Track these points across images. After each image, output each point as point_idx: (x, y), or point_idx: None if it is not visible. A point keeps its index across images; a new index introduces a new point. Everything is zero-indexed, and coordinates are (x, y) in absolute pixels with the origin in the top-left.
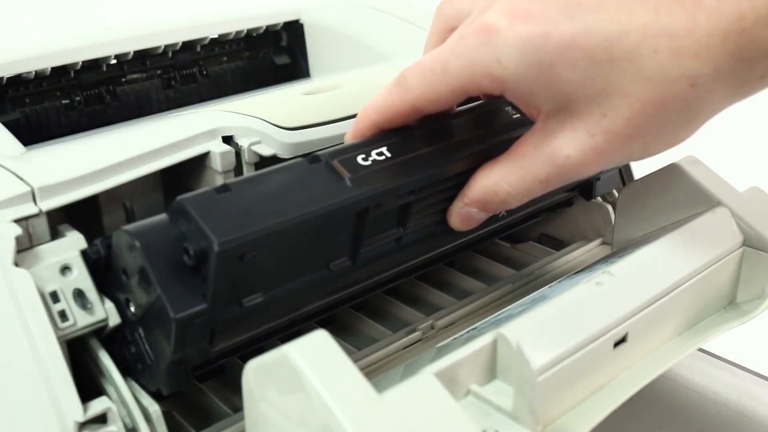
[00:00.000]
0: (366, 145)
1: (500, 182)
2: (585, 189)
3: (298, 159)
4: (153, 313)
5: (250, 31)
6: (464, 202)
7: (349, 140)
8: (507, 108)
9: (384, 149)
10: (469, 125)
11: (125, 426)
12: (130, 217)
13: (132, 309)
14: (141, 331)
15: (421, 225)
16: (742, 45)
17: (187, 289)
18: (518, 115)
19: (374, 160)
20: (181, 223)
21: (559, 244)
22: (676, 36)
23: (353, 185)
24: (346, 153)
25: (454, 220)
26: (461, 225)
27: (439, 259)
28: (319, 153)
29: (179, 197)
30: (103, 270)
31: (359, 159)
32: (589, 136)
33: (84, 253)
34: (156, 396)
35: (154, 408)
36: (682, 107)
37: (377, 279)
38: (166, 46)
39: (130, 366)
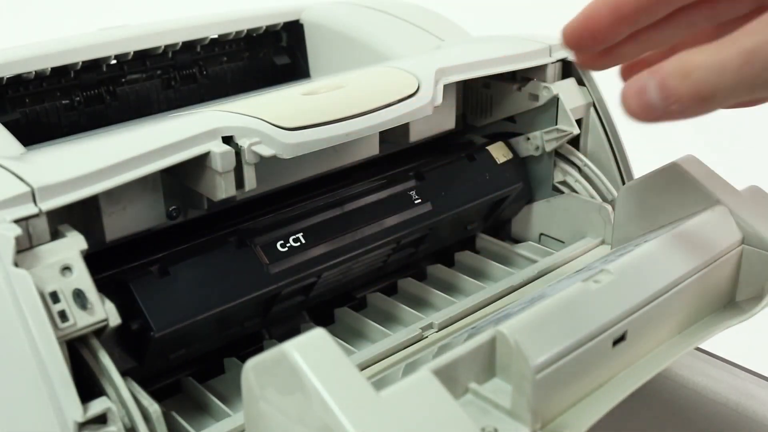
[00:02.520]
0: (286, 229)
1: (695, 52)
2: None
3: (231, 239)
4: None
5: (250, 32)
6: (649, 70)
7: (573, 30)
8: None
9: (300, 235)
10: (377, 212)
11: (125, 426)
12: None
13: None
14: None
15: (322, 290)
16: None
17: (124, 348)
18: (420, 201)
19: (290, 247)
20: (127, 297)
21: (559, 244)
22: None
23: (271, 272)
24: (269, 239)
25: (627, 91)
26: (630, 100)
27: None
28: (246, 237)
29: (128, 279)
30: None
31: (278, 246)
32: None
33: None
34: (156, 396)
35: (153, 408)
36: None
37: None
38: (166, 47)
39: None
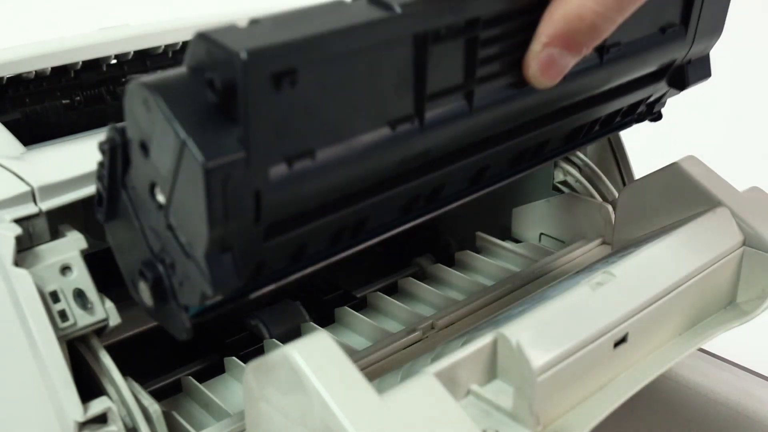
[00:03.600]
0: None
1: (585, 2)
2: (677, 77)
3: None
4: (182, 180)
5: None
6: (542, 42)
7: None
8: None
9: None
10: None
11: (125, 426)
12: None
13: (159, 197)
14: (173, 220)
15: (494, 81)
16: None
17: (219, 136)
18: None
19: None
20: (204, 63)
21: (559, 244)
22: None
23: (404, 12)
24: None
25: (533, 70)
26: (542, 75)
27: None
28: None
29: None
30: (122, 163)
31: None
32: None
33: (102, 149)
34: (156, 396)
35: (154, 408)
36: None
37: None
38: (166, 47)
39: (170, 288)
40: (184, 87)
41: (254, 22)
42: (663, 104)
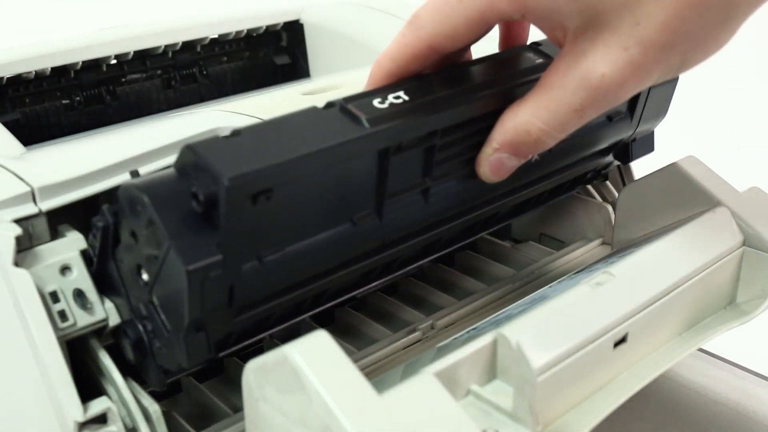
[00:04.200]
0: (381, 91)
1: (531, 119)
2: (622, 152)
3: (311, 106)
4: (166, 272)
5: (250, 31)
6: (493, 147)
7: (372, 76)
8: (529, 54)
9: (401, 92)
10: (491, 70)
11: (125, 426)
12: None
13: (144, 276)
14: (155, 299)
15: (448, 177)
16: None
17: (200, 241)
18: (541, 60)
19: (391, 103)
20: (190, 172)
21: (559, 244)
22: None
23: (371, 125)
24: (361, 98)
25: (484, 169)
26: (492, 174)
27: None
28: (332, 100)
29: (187, 143)
30: (112, 241)
31: (375, 102)
32: (623, 50)
33: (95, 225)
34: (156, 396)
35: (154, 408)
36: (720, 8)
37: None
38: (166, 46)
39: (150, 348)
40: (171, 190)
41: (236, 134)
42: (610, 169)
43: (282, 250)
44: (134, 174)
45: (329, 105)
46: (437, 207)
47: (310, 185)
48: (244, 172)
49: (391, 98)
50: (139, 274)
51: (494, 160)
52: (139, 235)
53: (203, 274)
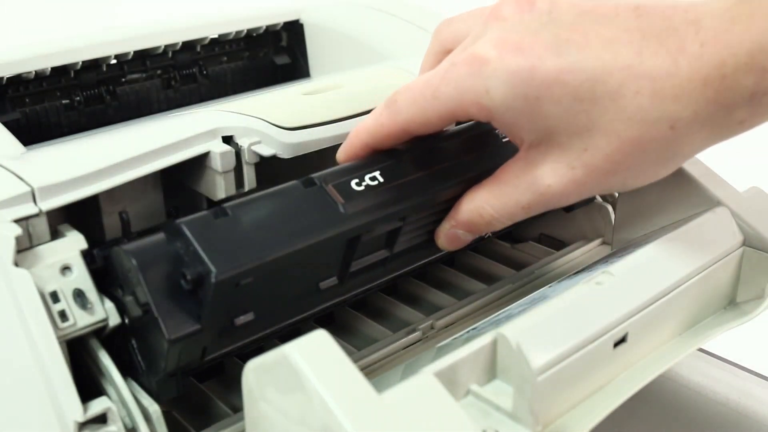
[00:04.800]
0: (360, 168)
1: (485, 206)
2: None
3: (294, 182)
4: (147, 328)
5: (250, 31)
6: (451, 224)
7: (341, 159)
8: (496, 131)
9: (377, 173)
10: (459, 148)
11: (125, 426)
12: (126, 227)
13: (126, 319)
14: (134, 341)
15: (407, 245)
16: (722, 91)
17: (182, 311)
18: (507, 139)
19: (367, 185)
20: (179, 245)
21: (559, 244)
22: (657, 78)
23: (346, 212)
24: (341, 177)
25: (442, 240)
26: (448, 245)
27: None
28: (314, 176)
29: (178, 220)
30: (101, 276)
31: (353, 184)
32: (569, 168)
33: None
34: (156, 396)
35: (154, 408)
36: (661, 147)
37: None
38: (166, 46)
39: (128, 364)
40: (160, 255)
41: (224, 213)
42: None
43: (252, 316)
44: (123, 219)
45: (311, 182)
46: (393, 267)
47: (286, 268)
48: (232, 268)
49: (367, 179)
50: (123, 317)
51: (451, 234)
52: (126, 291)
53: (183, 343)
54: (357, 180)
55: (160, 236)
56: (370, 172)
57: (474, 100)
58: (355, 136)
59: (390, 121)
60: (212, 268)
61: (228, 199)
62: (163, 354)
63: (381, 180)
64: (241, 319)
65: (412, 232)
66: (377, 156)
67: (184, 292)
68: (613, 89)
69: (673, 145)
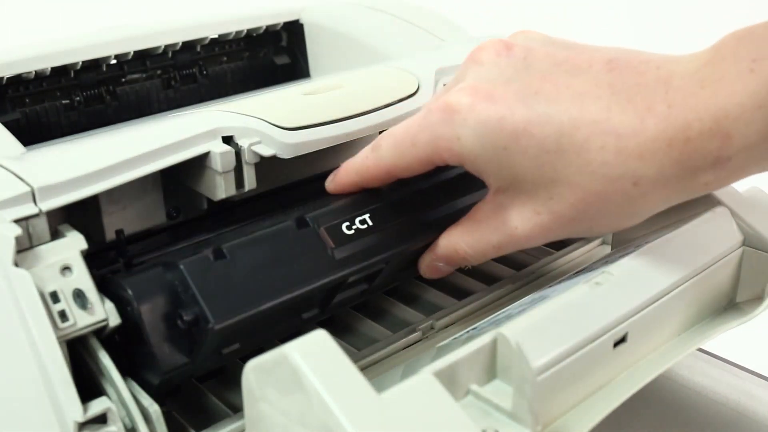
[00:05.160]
0: (351, 210)
1: (460, 243)
2: None
3: (289, 223)
4: (142, 354)
5: (250, 31)
6: (431, 257)
7: (330, 188)
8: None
9: (367, 216)
10: (444, 189)
11: (125, 426)
12: (122, 245)
13: (117, 337)
14: (130, 343)
15: (387, 277)
16: (687, 153)
17: (175, 345)
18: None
19: (357, 229)
20: (177, 283)
21: (559, 244)
22: (623, 136)
23: (337, 258)
24: (333, 219)
25: (424, 270)
26: (430, 275)
27: None
28: (308, 216)
29: (179, 261)
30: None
31: (344, 227)
32: (535, 213)
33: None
34: (156, 396)
35: (154, 408)
36: (624, 202)
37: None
38: (166, 46)
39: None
40: (156, 289)
41: (221, 255)
42: None
43: (238, 345)
44: (120, 239)
45: (304, 223)
46: (376, 290)
47: (277, 311)
48: (230, 320)
49: (357, 222)
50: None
51: (432, 266)
52: (127, 314)
53: (174, 372)
54: (348, 223)
55: (158, 270)
56: (361, 215)
57: (447, 147)
58: (344, 173)
59: (374, 164)
60: (210, 318)
61: (228, 199)
62: (155, 376)
63: (370, 223)
64: (228, 349)
65: (394, 268)
66: (367, 195)
67: (179, 330)
68: (578, 143)
69: (636, 201)
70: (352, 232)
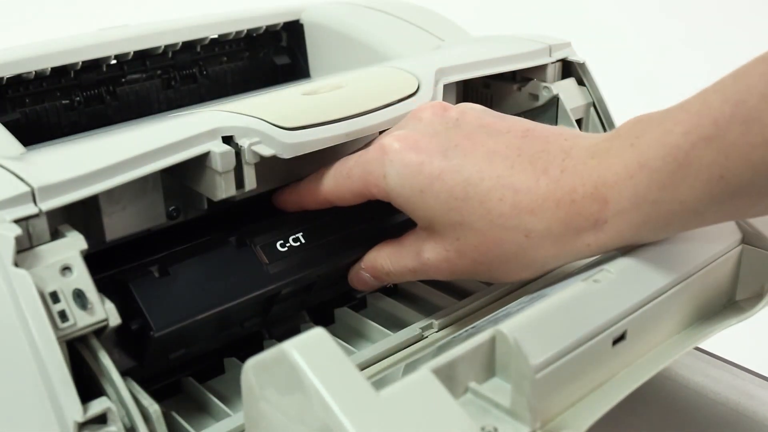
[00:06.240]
0: (286, 229)
1: (385, 258)
2: None
3: (229, 241)
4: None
5: (250, 31)
6: (360, 267)
7: (274, 201)
8: None
9: (300, 234)
10: (375, 210)
11: (125, 426)
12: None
13: None
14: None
15: (322, 289)
16: (571, 214)
17: (125, 349)
18: None
19: (290, 246)
20: (127, 298)
21: None
22: (519, 191)
23: (271, 272)
24: (269, 239)
25: (352, 279)
26: (357, 285)
27: None
28: (247, 236)
29: (128, 279)
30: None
31: (278, 245)
32: (444, 250)
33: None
34: (156, 396)
35: (153, 408)
36: (518, 251)
37: None
38: (166, 47)
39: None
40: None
41: (166, 273)
42: None
43: (184, 350)
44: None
45: (243, 243)
46: (312, 301)
47: (217, 320)
48: (169, 327)
49: (291, 240)
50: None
51: (360, 276)
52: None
53: (126, 372)
54: (282, 241)
55: (112, 287)
56: (295, 233)
57: (375, 183)
58: (290, 194)
59: (315, 190)
60: (152, 325)
61: (228, 199)
62: None
63: (303, 241)
64: (175, 354)
65: (327, 281)
66: (304, 215)
67: (128, 334)
68: (482, 192)
69: (528, 251)
70: (286, 249)
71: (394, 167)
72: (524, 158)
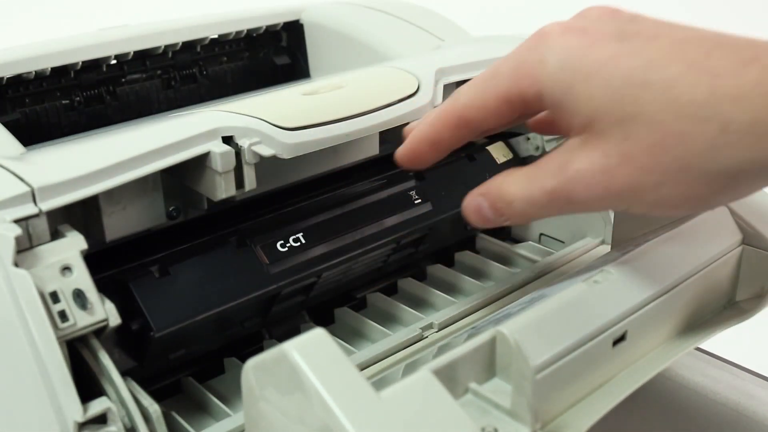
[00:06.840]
0: (286, 230)
1: (511, 183)
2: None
3: (230, 242)
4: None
5: (250, 31)
6: (479, 191)
7: (401, 153)
8: (412, 192)
9: (300, 234)
10: (369, 211)
11: (125, 426)
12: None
13: None
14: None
15: (322, 289)
16: None
17: (125, 349)
18: (419, 201)
19: (290, 246)
20: (127, 298)
21: (558, 244)
22: (719, 76)
23: (271, 272)
24: (269, 239)
25: (467, 207)
26: (470, 215)
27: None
28: (247, 236)
29: (128, 279)
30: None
31: (278, 245)
32: (604, 156)
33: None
34: (156, 396)
35: (153, 408)
36: (707, 152)
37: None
38: (166, 47)
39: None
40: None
41: (166, 273)
42: None
43: (184, 351)
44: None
45: (243, 243)
46: (312, 301)
47: (217, 320)
48: (169, 328)
49: (291, 241)
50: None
51: (474, 203)
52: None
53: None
54: (282, 241)
55: (113, 287)
56: (295, 233)
57: (528, 73)
58: (417, 132)
59: (449, 107)
60: (153, 325)
61: (228, 199)
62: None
63: (303, 241)
64: (175, 354)
65: (327, 282)
66: (303, 215)
67: (129, 334)
68: (668, 77)
69: (722, 151)
70: (286, 249)
71: (553, 51)
72: (723, 49)
